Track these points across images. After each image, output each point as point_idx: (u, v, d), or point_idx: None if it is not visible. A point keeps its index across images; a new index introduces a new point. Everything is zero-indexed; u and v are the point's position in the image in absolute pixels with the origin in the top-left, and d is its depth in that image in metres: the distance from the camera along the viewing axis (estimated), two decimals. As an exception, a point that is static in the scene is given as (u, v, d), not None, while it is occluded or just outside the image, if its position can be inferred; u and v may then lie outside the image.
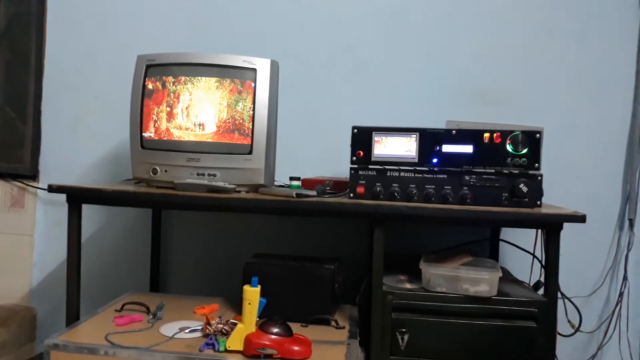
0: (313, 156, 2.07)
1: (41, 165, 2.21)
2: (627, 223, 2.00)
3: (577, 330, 1.78)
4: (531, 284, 1.75)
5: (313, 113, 2.09)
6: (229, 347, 1.34)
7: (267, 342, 1.32)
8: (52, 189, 1.63)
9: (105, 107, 2.17)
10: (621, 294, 1.98)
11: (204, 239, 2.14)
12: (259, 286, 1.37)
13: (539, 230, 1.76)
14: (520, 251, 1.87)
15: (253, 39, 2.10)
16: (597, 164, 2.02)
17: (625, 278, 1.98)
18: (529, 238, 1.82)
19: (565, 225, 1.47)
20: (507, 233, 1.98)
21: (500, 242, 1.97)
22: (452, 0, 2.05)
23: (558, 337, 1.72)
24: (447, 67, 2.06)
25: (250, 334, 1.34)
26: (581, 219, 1.43)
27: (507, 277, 1.73)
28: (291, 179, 1.79)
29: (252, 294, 1.35)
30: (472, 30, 2.05)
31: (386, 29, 2.08)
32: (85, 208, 1.66)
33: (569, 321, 1.83)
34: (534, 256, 1.81)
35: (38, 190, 2.20)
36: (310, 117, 2.09)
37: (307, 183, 1.77)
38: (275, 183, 1.83)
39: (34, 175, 2.21)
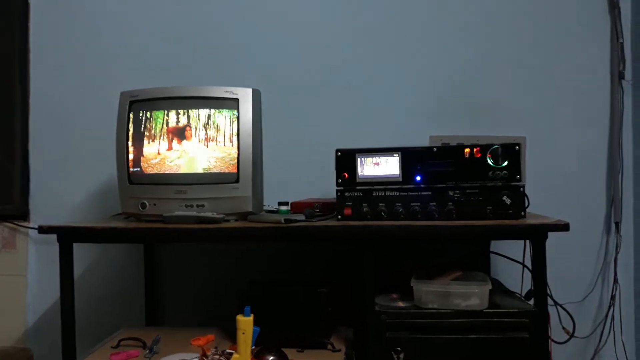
0: (302, 177, 2.08)
1: (31, 204, 2.21)
2: (613, 227, 2.02)
3: (572, 336, 1.79)
4: (523, 294, 1.76)
5: (299, 135, 2.11)
6: (226, 377, 1.35)
7: (263, 371, 1.32)
8: (42, 229, 1.63)
9: (92, 143, 2.17)
10: (613, 297, 2.00)
11: (197, 269, 2.14)
12: (252, 315, 1.37)
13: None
14: (511, 261, 1.88)
15: (235, 67, 2.13)
16: (581, 170, 2.05)
17: (615, 281, 2.00)
18: (520, 247, 1.84)
19: (554, 232, 1.48)
20: (497, 244, 1.99)
21: (492, 254, 1.99)
22: (430, 16, 2.10)
23: (554, 344, 1.74)
24: (430, 82, 2.09)
25: (246, 363, 1.35)
26: (564, 227, 1.44)
27: (498, 289, 1.74)
28: (280, 204, 1.81)
29: (246, 324, 1.36)
30: (452, 44, 2.09)
31: (367, 48, 2.12)
32: (77, 245, 1.66)
33: (563, 328, 1.84)
34: (524, 265, 1.83)
35: (29, 229, 2.20)
36: (297, 139, 2.11)
37: (297, 206, 1.79)
38: (266, 208, 1.85)
39: (24, 215, 2.21)
